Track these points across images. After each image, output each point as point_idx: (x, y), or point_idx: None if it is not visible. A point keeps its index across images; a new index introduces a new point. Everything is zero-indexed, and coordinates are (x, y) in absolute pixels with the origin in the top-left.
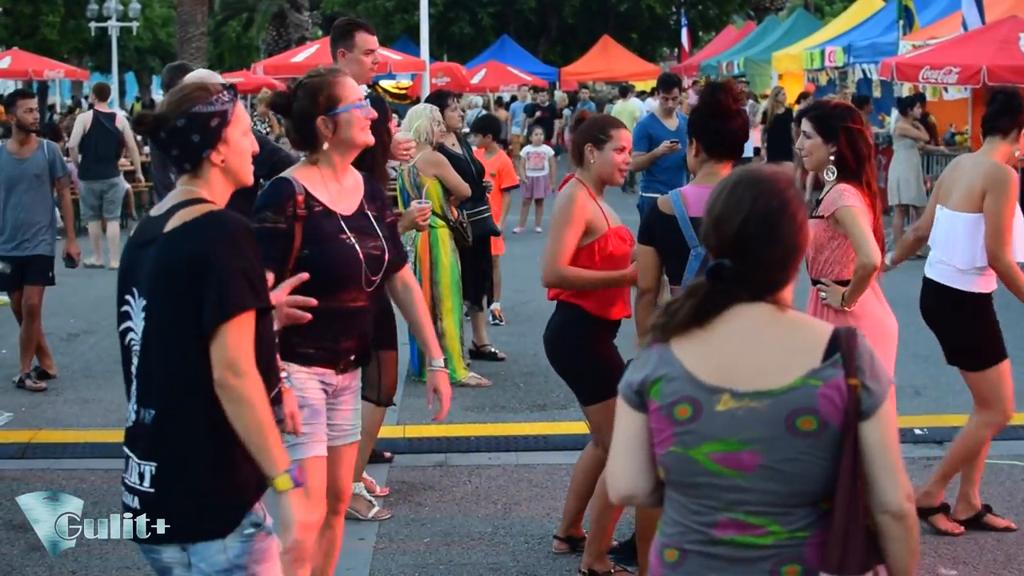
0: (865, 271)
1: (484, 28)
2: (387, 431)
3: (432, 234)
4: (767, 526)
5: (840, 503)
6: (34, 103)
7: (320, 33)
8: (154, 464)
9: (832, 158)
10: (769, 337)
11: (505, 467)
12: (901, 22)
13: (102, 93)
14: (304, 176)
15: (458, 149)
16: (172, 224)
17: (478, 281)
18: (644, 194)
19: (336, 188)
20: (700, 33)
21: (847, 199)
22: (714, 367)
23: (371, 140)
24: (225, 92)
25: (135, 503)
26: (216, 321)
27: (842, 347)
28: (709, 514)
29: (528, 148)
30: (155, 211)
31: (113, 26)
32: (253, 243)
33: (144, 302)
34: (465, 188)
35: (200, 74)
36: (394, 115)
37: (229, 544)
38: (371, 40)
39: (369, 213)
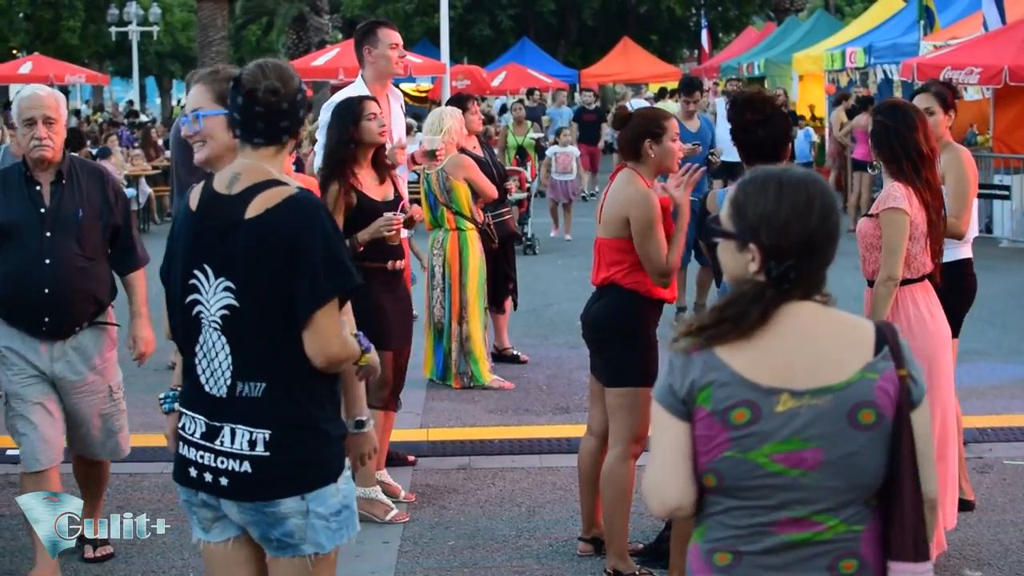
0: (885, 288)
1: (504, 30)
2: (410, 434)
3: (461, 237)
4: (826, 521)
5: (907, 492)
6: None
7: (340, 36)
8: (268, 431)
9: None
10: (820, 334)
11: (529, 470)
12: (922, 22)
13: None
14: None
15: (480, 152)
16: (255, 211)
17: (499, 284)
18: None
19: None
20: (720, 34)
21: (893, 201)
22: (768, 368)
23: (198, 158)
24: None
25: (244, 467)
26: (310, 310)
27: (888, 340)
28: (767, 514)
29: (555, 148)
30: (221, 186)
31: (133, 30)
32: (331, 220)
33: (229, 283)
34: (493, 191)
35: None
36: (410, 118)
37: (341, 486)
38: (394, 35)
39: None
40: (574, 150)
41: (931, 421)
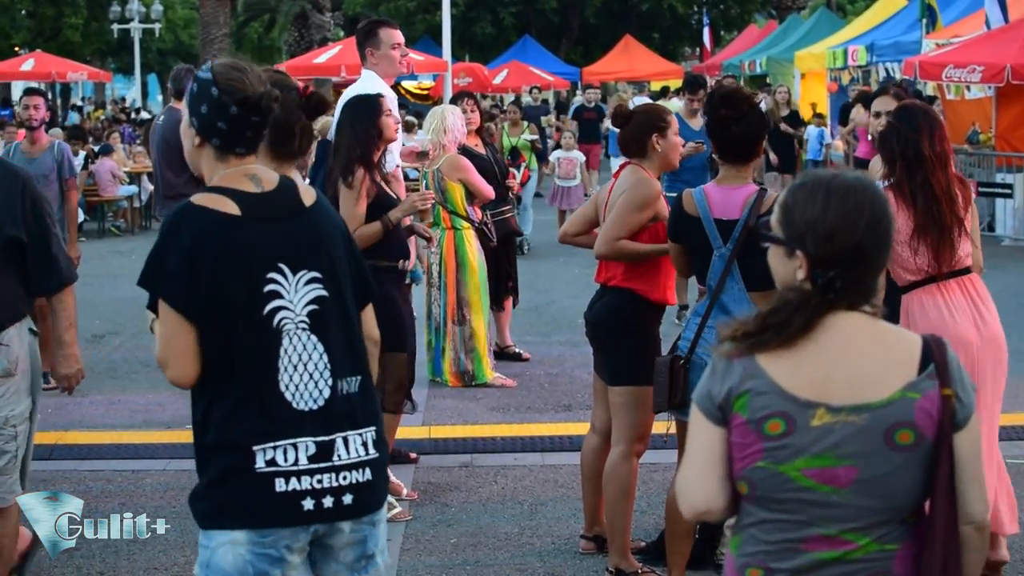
0: None
1: (506, 28)
2: (412, 432)
3: (457, 235)
4: (857, 540)
5: (940, 515)
6: (36, 100)
7: (342, 34)
8: (373, 428)
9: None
10: (863, 349)
11: (531, 467)
12: (924, 20)
13: None
14: None
15: (481, 150)
16: (309, 199)
17: (500, 282)
18: (668, 193)
19: None
20: (722, 32)
21: None
22: (807, 381)
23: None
24: None
25: (366, 475)
26: (373, 292)
27: (935, 357)
28: (797, 530)
29: (559, 152)
30: (249, 187)
31: (135, 28)
32: None
33: (313, 273)
34: (489, 191)
35: None
36: (410, 116)
37: None
38: (396, 34)
39: None
40: (578, 155)
41: (980, 440)
